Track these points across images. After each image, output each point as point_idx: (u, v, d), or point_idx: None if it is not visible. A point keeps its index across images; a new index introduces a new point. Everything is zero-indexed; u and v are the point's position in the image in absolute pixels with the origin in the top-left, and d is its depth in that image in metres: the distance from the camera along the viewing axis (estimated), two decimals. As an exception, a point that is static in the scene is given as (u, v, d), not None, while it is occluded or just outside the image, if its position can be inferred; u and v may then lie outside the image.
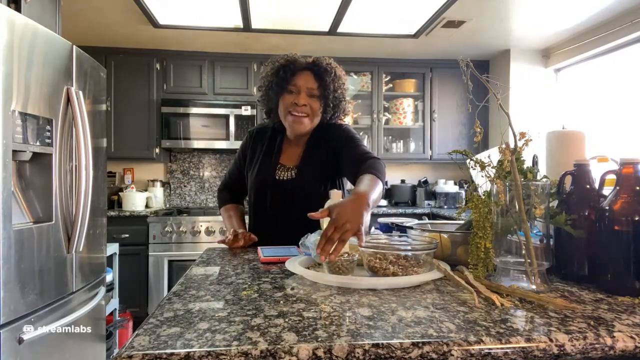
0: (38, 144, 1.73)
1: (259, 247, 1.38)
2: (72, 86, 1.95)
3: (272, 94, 1.50)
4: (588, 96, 3.58)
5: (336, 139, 1.52)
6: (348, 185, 1.61)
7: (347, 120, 4.11)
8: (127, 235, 3.46)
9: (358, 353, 0.61)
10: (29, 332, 1.62)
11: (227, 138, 3.83)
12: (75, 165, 1.95)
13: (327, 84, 1.46)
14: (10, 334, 1.55)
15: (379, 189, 1.22)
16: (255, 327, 0.69)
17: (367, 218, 1.06)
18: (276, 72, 1.48)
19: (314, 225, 1.50)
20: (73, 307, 1.95)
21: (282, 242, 1.44)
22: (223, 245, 1.48)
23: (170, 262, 3.51)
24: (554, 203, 1.04)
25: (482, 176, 1.01)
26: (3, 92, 1.54)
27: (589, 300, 0.85)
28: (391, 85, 4.26)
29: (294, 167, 1.55)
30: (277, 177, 1.54)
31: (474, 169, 1.03)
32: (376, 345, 0.62)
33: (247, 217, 1.68)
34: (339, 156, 1.49)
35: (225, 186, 1.79)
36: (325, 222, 1.09)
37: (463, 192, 3.99)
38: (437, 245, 1.06)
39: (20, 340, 1.59)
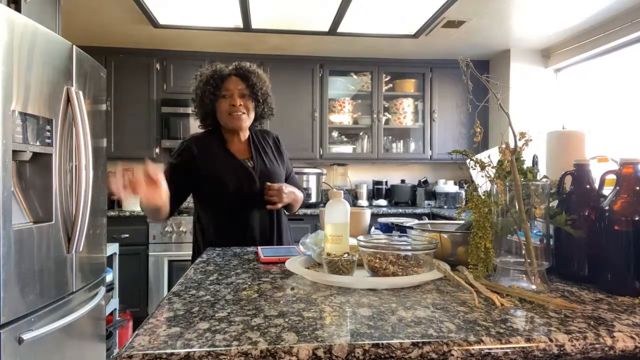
0: (38, 144, 1.73)
1: (258, 247, 1.39)
2: (72, 86, 1.95)
3: (207, 102, 1.63)
4: (588, 96, 3.57)
5: (288, 163, 1.82)
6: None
7: (347, 120, 4.16)
8: (127, 235, 3.46)
9: (358, 353, 0.61)
10: (29, 332, 1.62)
11: (227, 138, 3.83)
12: (75, 165, 1.95)
13: (254, 83, 1.65)
14: (10, 334, 1.55)
15: (299, 199, 1.75)
16: (255, 327, 0.69)
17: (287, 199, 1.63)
18: (207, 82, 1.62)
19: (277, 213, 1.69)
20: (73, 307, 1.95)
21: (246, 232, 1.60)
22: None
23: (170, 262, 3.51)
24: (554, 203, 1.04)
25: (482, 176, 1.01)
26: (3, 92, 1.54)
27: (589, 300, 0.85)
28: (391, 85, 4.26)
29: (247, 159, 1.69)
30: (242, 167, 1.66)
31: (474, 169, 1.03)
32: (376, 345, 0.62)
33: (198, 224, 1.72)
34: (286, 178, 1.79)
35: None
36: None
37: (463, 192, 3.99)
38: (437, 245, 1.06)
39: (20, 340, 1.59)
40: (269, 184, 1.60)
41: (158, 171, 1.29)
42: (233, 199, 1.61)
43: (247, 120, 1.66)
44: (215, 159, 1.63)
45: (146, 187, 1.26)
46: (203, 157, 1.63)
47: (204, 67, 1.71)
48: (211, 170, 1.61)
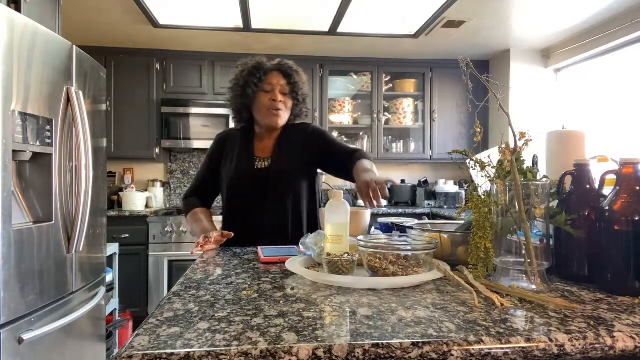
0: (38, 144, 1.73)
1: (258, 247, 1.38)
2: (72, 86, 1.95)
3: (250, 93, 1.62)
4: (588, 96, 3.57)
5: (319, 141, 1.69)
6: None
7: (347, 120, 4.16)
8: (127, 235, 3.46)
9: (358, 353, 0.61)
10: (29, 332, 1.62)
11: (227, 138, 3.83)
12: (75, 165, 1.95)
13: (295, 81, 1.65)
14: (10, 334, 1.55)
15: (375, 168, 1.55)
16: (255, 327, 0.69)
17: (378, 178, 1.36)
18: (249, 74, 1.61)
19: (293, 214, 1.62)
20: (73, 307, 1.95)
21: (259, 233, 1.57)
22: (199, 252, 1.44)
23: (170, 262, 3.51)
24: (554, 203, 1.04)
25: (482, 176, 1.01)
26: (3, 92, 1.54)
27: (589, 300, 0.85)
28: (391, 85, 4.26)
29: (268, 157, 1.66)
30: (256, 167, 1.65)
31: (474, 169, 1.03)
32: (376, 345, 0.62)
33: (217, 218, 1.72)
34: (327, 153, 1.68)
35: (193, 192, 1.77)
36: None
37: (463, 192, 3.99)
38: (437, 245, 1.06)
39: (20, 340, 1.59)
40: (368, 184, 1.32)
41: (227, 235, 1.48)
42: (244, 199, 1.61)
43: (284, 118, 1.65)
44: (234, 158, 1.66)
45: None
46: (223, 157, 1.69)
47: (248, 60, 1.67)
48: (227, 169, 1.66)
